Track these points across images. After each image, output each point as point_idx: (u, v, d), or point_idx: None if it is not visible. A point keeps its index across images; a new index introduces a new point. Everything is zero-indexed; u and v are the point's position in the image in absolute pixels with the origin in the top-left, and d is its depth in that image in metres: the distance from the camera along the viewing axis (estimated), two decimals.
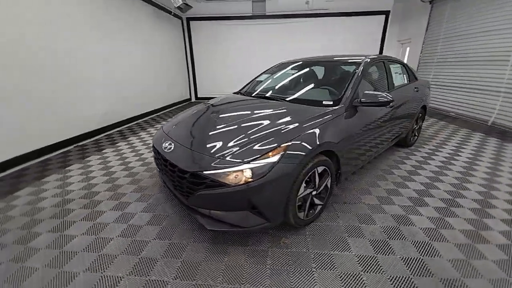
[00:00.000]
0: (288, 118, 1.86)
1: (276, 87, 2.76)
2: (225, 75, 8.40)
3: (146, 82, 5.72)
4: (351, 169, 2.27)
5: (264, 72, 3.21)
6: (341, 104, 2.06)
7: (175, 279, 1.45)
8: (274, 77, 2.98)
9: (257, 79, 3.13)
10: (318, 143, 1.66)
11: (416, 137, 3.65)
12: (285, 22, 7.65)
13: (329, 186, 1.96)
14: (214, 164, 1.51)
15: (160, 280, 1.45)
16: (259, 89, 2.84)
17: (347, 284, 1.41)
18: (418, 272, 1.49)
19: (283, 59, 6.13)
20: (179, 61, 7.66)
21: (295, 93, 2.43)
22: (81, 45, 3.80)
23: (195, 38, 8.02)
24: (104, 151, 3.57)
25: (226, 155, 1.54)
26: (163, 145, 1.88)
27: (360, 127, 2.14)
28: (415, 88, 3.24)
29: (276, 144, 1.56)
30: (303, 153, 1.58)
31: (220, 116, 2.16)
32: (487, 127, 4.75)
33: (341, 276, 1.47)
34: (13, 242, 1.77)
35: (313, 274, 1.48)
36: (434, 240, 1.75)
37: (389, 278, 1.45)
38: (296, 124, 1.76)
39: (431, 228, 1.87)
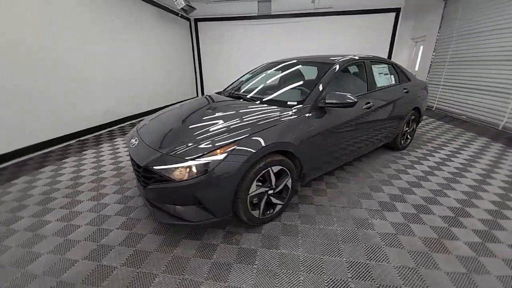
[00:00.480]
0: (246, 118, 1.90)
1: (252, 88, 2.79)
2: (230, 75, 8.48)
3: (154, 81, 6.05)
4: (318, 171, 2.26)
5: (247, 73, 3.26)
6: (305, 104, 2.05)
7: (122, 266, 1.56)
8: (255, 78, 3.02)
9: (240, 79, 3.18)
10: (266, 143, 1.68)
11: (408, 140, 3.50)
12: (291, 21, 7.60)
13: (289, 186, 1.98)
14: (163, 159, 1.59)
15: (109, 266, 1.56)
16: (236, 89, 2.90)
17: (283, 282, 1.44)
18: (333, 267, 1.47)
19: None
20: (186, 61, 7.90)
21: (268, 94, 2.46)
22: (101, 47, 4.21)
23: (202, 39, 8.22)
24: (101, 145, 3.81)
25: (176, 151, 1.62)
26: (131, 140, 2.01)
27: (328, 128, 2.12)
28: (405, 89, 3.12)
29: (223, 143, 1.61)
30: (251, 152, 1.62)
31: (187, 115, 2.24)
32: (496, 131, 4.43)
33: (280, 275, 1.49)
34: None
35: (252, 271, 1.52)
36: (388, 246, 1.70)
37: (327, 280, 1.45)
38: (250, 124, 1.79)
39: (389, 233, 1.83)
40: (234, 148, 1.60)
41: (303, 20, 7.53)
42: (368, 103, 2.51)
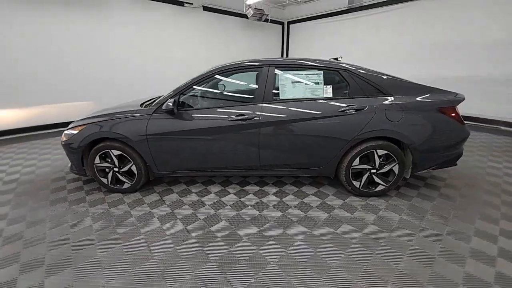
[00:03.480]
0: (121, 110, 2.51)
1: None
2: None
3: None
4: (167, 167, 2.42)
5: None
6: (152, 106, 2.32)
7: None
8: None
9: None
10: (96, 131, 2.29)
11: (380, 187, 2.30)
12: (389, 10, 6.01)
13: (134, 170, 2.42)
14: None
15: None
16: None
17: None
18: None
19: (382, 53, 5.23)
20: None
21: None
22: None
23: (292, 40, 8.47)
24: None
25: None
26: None
27: (175, 130, 2.26)
28: (350, 106, 2.14)
29: (82, 123, 2.41)
30: (88, 133, 2.31)
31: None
32: None
33: None
34: None
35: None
36: None
37: None
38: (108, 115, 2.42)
39: None
40: (82, 129, 2.36)
41: (410, 6, 5.70)
42: (243, 115, 2.19)
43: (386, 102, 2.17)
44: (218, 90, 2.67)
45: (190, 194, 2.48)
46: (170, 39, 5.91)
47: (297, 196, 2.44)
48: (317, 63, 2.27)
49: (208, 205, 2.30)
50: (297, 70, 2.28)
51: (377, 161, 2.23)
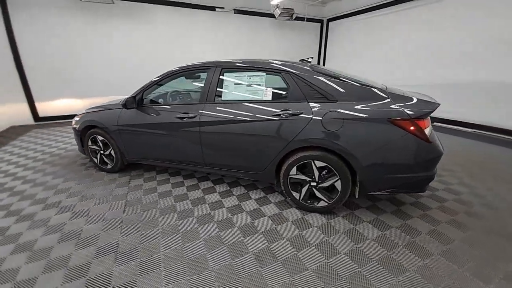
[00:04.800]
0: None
1: None
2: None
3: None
4: (135, 155, 2.79)
5: None
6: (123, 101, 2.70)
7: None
8: None
9: None
10: (87, 119, 2.83)
11: (317, 200, 2.07)
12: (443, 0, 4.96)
13: (113, 155, 2.89)
14: None
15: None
16: None
17: None
18: None
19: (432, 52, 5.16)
20: None
21: None
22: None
23: (331, 38, 7.92)
24: None
25: None
26: None
27: (139, 124, 2.60)
28: (283, 110, 2.00)
29: (83, 112, 3.03)
30: (83, 120, 2.90)
31: None
32: None
33: None
34: None
35: None
36: None
37: None
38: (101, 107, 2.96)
39: None
40: (82, 118, 2.96)
41: None
42: (187, 113, 2.33)
43: (324, 108, 1.93)
44: (177, 89, 2.88)
45: (152, 181, 2.79)
46: (202, 43, 6.46)
47: (240, 197, 2.43)
48: (260, 65, 2.20)
49: (159, 192, 2.55)
50: (241, 71, 2.27)
51: (316, 173, 2.02)
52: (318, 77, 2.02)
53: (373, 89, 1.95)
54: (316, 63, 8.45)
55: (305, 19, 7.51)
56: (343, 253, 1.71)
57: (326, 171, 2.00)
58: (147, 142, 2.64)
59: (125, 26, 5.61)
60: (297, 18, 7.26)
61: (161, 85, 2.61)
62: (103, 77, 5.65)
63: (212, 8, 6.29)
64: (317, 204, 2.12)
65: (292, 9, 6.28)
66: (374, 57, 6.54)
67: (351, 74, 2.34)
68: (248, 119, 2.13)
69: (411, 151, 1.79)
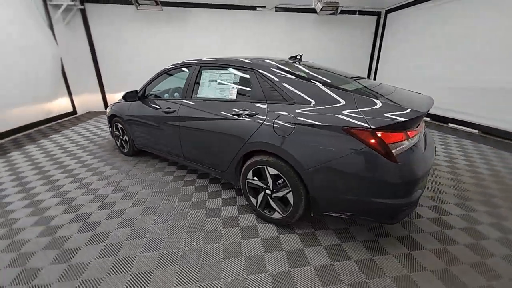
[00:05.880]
0: None
1: None
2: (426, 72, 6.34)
3: None
4: (141, 145, 3.14)
5: None
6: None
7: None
8: None
9: None
10: (112, 109, 3.37)
11: (274, 210, 1.89)
12: None
13: (127, 140, 3.36)
14: None
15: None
16: None
17: None
18: None
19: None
20: (359, 58, 7.40)
21: None
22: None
23: (389, 33, 6.84)
24: None
25: None
26: None
27: (139, 115, 2.93)
28: (242, 110, 1.88)
29: (113, 103, 3.61)
30: (109, 110, 3.47)
31: None
32: None
33: None
34: None
35: None
36: None
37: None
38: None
39: None
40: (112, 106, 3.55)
41: None
42: (170, 108, 2.49)
43: (279, 111, 1.73)
44: (170, 84, 3.04)
45: (150, 168, 3.11)
46: (242, 43, 6.64)
47: (211, 194, 2.46)
48: (231, 63, 2.14)
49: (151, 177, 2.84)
50: (215, 69, 2.26)
51: (270, 181, 1.85)
52: (281, 76, 1.83)
53: (330, 91, 1.65)
54: (369, 56, 7.44)
55: (357, 12, 6.74)
56: (269, 273, 1.53)
57: (282, 180, 1.81)
58: (145, 132, 2.95)
59: (170, 28, 6.26)
60: (347, 12, 6.61)
61: (159, 81, 2.87)
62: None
63: (253, 8, 6.38)
64: (272, 214, 1.94)
65: (337, 1, 5.73)
66: (448, 56, 5.28)
67: (349, 73, 2.08)
68: (214, 116, 2.12)
69: (370, 170, 1.43)
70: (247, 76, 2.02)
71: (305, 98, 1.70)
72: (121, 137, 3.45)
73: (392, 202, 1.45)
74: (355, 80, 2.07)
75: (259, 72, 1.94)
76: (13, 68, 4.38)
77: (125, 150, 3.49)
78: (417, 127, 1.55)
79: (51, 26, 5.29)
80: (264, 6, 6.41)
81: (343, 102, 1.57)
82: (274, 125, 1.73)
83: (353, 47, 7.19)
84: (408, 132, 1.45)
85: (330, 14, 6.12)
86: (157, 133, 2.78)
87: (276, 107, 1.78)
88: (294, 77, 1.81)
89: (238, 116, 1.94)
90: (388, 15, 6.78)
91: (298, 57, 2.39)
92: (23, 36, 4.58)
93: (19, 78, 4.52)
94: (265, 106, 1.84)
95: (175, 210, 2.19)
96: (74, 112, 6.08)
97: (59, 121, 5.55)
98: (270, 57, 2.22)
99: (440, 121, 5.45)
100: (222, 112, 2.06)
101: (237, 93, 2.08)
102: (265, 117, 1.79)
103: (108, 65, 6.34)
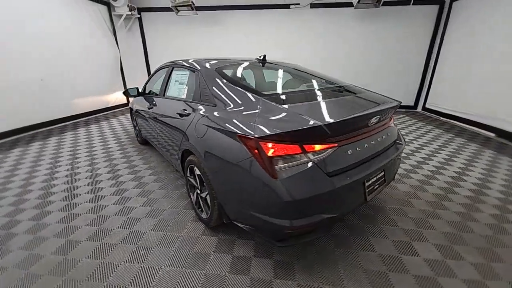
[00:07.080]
0: None
1: None
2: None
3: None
4: (142, 133, 3.57)
5: None
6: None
7: None
8: None
9: None
10: (131, 102, 3.93)
11: (206, 209, 1.91)
12: None
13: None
14: None
15: None
16: None
17: None
18: None
19: None
20: (410, 54, 6.30)
21: None
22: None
23: (452, 23, 5.55)
24: None
25: None
26: None
27: (139, 109, 3.36)
28: (182, 110, 1.96)
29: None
30: (131, 103, 4.06)
31: None
32: None
33: None
34: None
35: None
36: None
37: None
38: None
39: None
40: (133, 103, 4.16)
41: None
42: (152, 104, 2.77)
43: (203, 112, 1.74)
44: (159, 82, 3.29)
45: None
46: (274, 43, 6.57)
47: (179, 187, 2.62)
48: (187, 63, 2.23)
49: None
50: (178, 70, 2.40)
51: (197, 180, 1.88)
52: (211, 78, 1.83)
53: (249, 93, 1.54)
54: (426, 52, 6.25)
55: (412, 3, 5.73)
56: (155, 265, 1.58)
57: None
58: (142, 124, 3.35)
59: (204, 29, 6.71)
60: (401, 3, 5.73)
61: (154, 79, 3.20)
62: None
63: (286, 6, 6.21)
64: (202, 214, 1.96)
65: None
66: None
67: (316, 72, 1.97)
68: (169, 114, 2.28)
69: (253, 181, 1.30)
70: (193, 77, 2.09)
71: (226, 101, 1.66)
72: (136, 127, 4.01)
73: (277, 222, 1.29)
74: (322, 89, 1.92)
75: (200, 73, 1.98)
76: (85, 68, 5.73)
77: (138, 139, 4.04)
78: (340, 140, 1.32)
79: (114, 32, 6.50)
80: (298, 4, 6.17)
81: (248, 107, 1.47)
82: (196, 126, 1.75)
83: (408, 38, 6.14)
84: (306, 146, 1.25)
85: (373, 6, 5.39)
86: (146, 125, 3.12)
87: (205, 108, 1.80)
88: (224, 80, 1.78)
89: (179, 116, 2.04)
90: (454, 3, 5.51)
91: (261, 57, 2.30)
92: (94, 44, 5.88)
93: (90, 75, 5.87)
94: (199, 107, 1.88)
95: (123, 201, 2.45)
96: (127, 103, 7.31)
97: (113, 110, 6.80)
98: (228, 58, 2.23)
99: None
100: (173, 110, 2.20)
101: (187, 93, 2.17)
102: (193, 118, 1.83)
103: (157, 62, 7.32)
